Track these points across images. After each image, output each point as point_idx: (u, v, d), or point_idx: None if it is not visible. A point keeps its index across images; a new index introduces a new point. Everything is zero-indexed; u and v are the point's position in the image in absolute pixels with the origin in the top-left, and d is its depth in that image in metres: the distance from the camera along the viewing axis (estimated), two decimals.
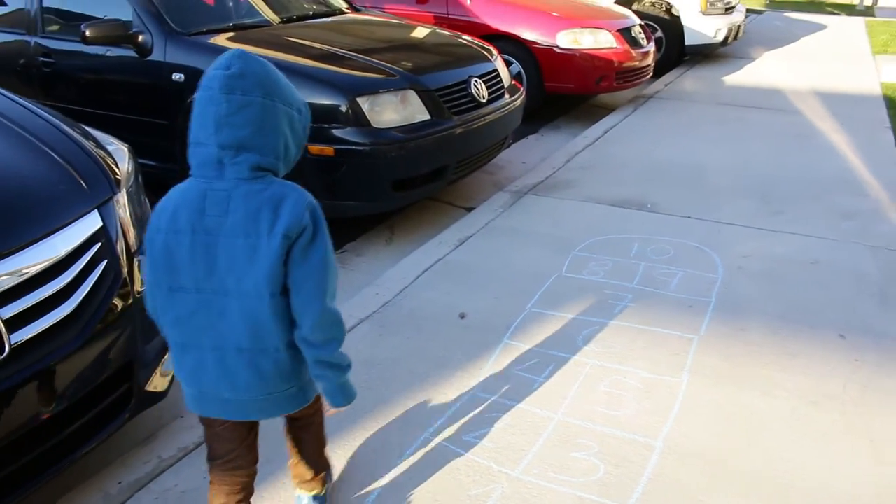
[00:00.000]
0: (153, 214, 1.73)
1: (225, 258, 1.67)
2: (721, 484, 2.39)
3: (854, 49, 11.19)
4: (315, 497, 2.24)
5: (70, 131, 2.61)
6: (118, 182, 2.48)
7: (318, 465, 2.20)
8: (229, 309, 1.69)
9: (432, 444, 2.56)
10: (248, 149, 1.65)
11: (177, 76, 4.32)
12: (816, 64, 9.79)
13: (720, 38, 9.38)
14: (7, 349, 1.95)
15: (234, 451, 1.91)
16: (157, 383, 2.53)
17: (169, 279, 1.71)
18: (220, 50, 4.31)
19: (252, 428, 1.93)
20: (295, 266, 1.66)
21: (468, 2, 7.16)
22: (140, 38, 4.37)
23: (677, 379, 2.91)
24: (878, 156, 5.84)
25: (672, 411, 2.72)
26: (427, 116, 4.28)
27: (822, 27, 13.40)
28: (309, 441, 2.14)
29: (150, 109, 4.49)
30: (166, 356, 2.59)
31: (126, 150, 2.77)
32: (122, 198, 2.47)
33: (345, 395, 1.82)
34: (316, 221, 1.68)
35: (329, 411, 1.91)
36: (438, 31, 5.68)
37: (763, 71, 9.35)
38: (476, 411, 2.72)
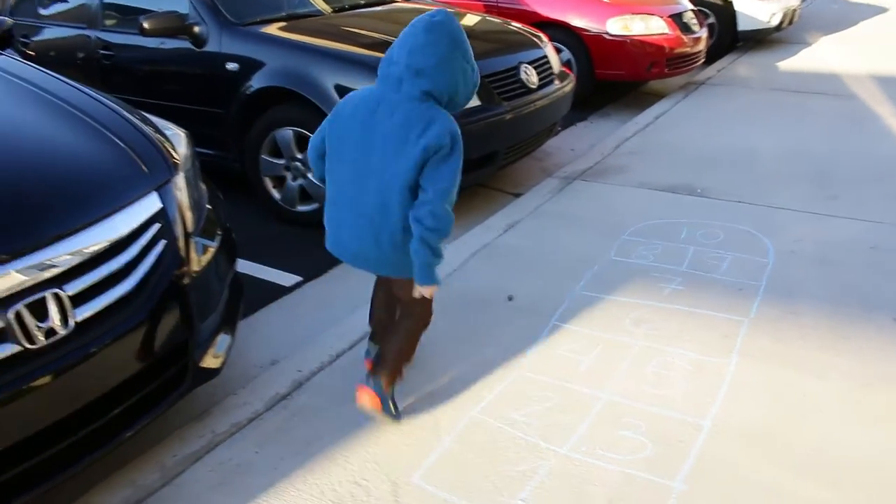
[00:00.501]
0: (340, 103, 2.35)
1: (379, 151, 2.21)
2: (769, 463, 2.38)
3: None
4: (378, 385, 2.50)
5: (130, 117, 2.69)
6: (176, 165, 2.56)
7: (394, 363, 2.52)
8: (370, 186, 2.24)
9: (481, 421, 2.59)
10: (425, 76, 2.15)
11: (231, 66, 4.41)
12: (875, 48, 9.52)
13: (774, 22, 9.18)
14: (73, 324, 2.04)
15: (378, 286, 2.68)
16: (211, 361, 2.60)
17: (338, 153, 2.31)
18: (273, 40, 4.39)
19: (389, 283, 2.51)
20: (429, 170, 2.16)
21: None
22: (196, 29, 4.47)
23: (726, 360, 2.90)
24: None
25: (720, 392, 2.71)
26: (477, 102, 4.30)
27: (881, 10, 13.01)
28: (398, 338, 2.53)
29: (205, 99, 4.60)
30: (219, 336, 2.66)
31: (183, 134, 2.85)
32: (180, 181, 2.55)
33: (430, 276, 2.26)
34: (454, 143, 2.17)
35: (414, 291, 2.31)
36: (488, 18, 5.69)
37: (819, 56, 9.14)
38: (524, 390, 2.75)
